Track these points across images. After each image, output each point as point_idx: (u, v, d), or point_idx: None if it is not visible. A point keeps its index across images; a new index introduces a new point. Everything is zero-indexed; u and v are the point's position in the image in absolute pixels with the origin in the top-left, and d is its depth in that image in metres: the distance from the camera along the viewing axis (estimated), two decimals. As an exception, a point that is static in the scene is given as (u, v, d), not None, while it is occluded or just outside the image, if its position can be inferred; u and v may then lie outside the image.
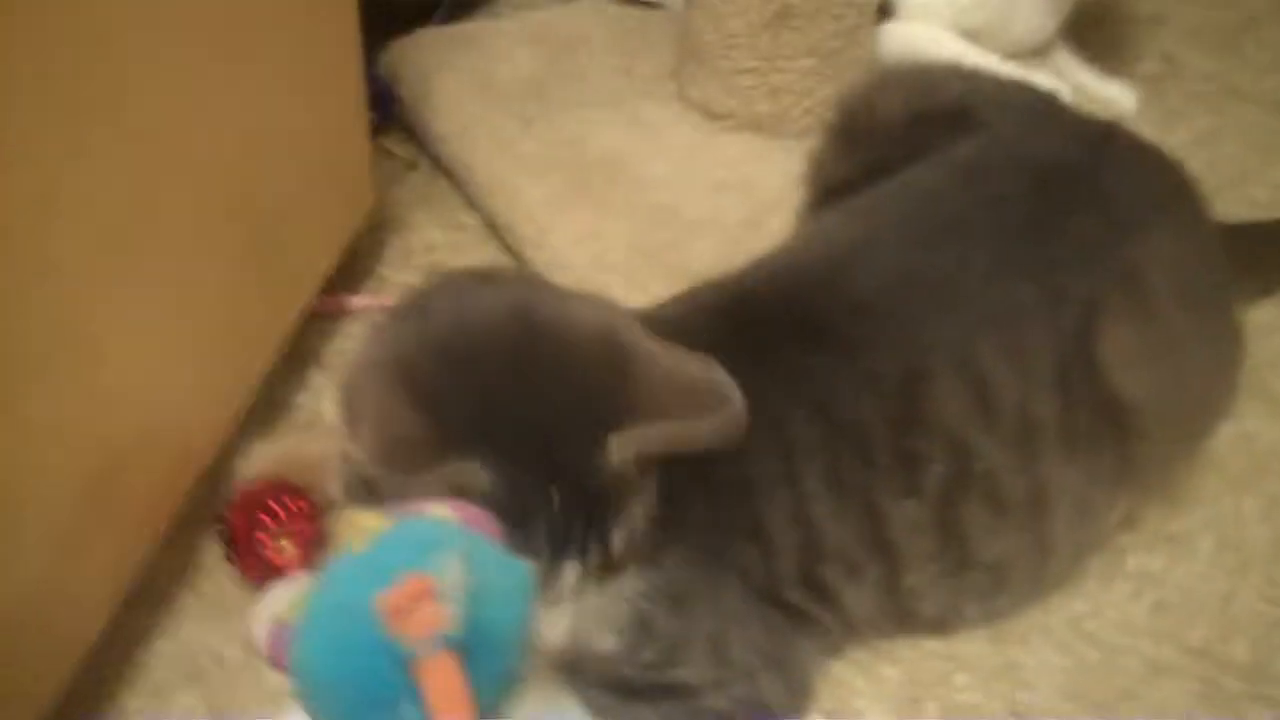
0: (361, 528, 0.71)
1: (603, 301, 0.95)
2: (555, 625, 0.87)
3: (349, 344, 1.40)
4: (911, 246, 1.05)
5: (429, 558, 0.65)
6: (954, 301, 1.01)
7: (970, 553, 1.02)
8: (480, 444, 0.82)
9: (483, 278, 0.96)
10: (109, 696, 1.05)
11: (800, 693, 1.02)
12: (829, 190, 1.22)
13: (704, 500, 0.96)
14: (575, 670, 0.95)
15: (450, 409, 0.83)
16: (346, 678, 0.67)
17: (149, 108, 0.98)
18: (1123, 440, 1.04)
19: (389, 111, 1.71)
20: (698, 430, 0.84)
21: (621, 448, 0.83)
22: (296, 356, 1.34)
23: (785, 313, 1.02)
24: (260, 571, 1.09)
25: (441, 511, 0.72)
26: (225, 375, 1.17)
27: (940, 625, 1.08)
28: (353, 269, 1.49)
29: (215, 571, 1.15)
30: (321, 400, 1.33)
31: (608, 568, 0.87)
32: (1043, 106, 1.24)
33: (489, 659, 0.67)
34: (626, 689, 0.96)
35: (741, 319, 1.02)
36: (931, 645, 1.09)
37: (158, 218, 1.02)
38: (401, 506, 0.74)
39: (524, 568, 0.72)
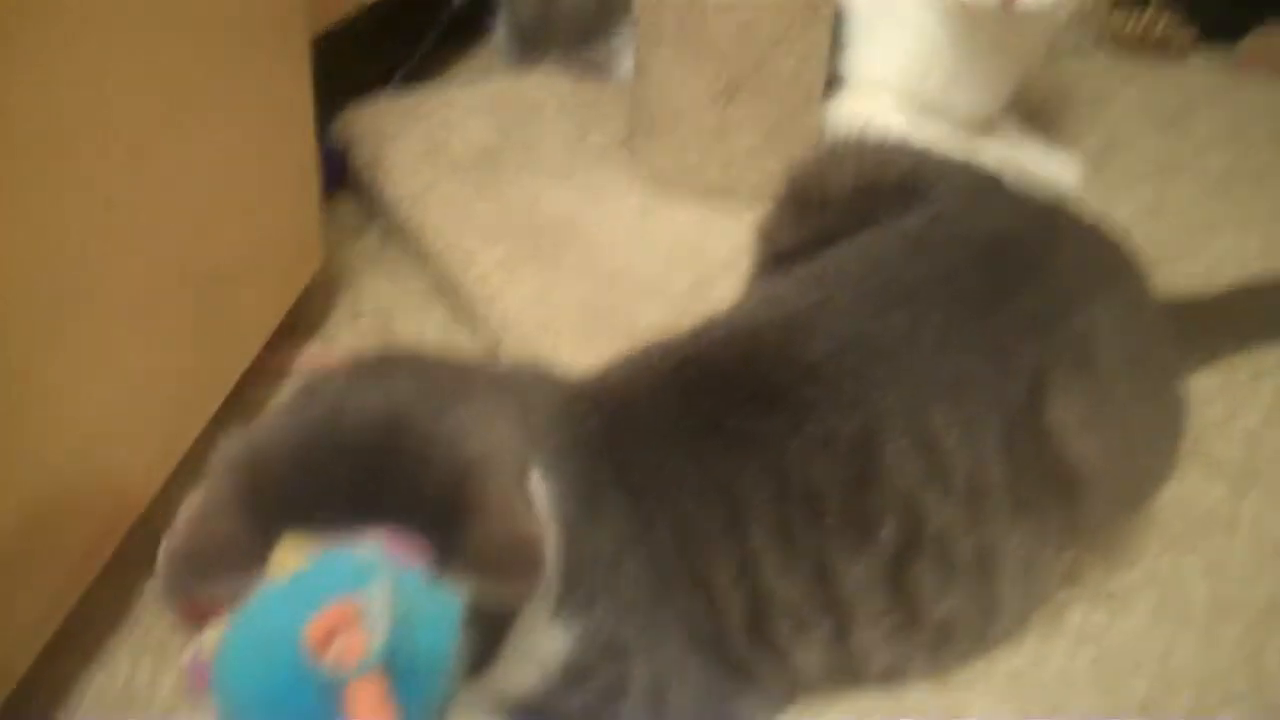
0: (283, 562, 0.71)
1: (487, 425, 0.87)
2: None
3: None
4: (864, 312, 1.06)
5: (355, 585, 0.65)
6: (905, 368, 1.02)
7: (920, 611, 1.02)
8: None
9: (377, 371, 0.92)
10: None
11: None
12: (778, 256, 1.24)
13: (644, 553, 0.96)
14: (504, 702, 0.94)
15: (281, 515, 0.78)
16: (269, 706, 0.66)
17: (96, 164, 0.99)
18: (1069, 502, 1.05)
19: (340, 178, 1.72)
20: (502, 594, 0.80)
21: None
22: (239, 410, 1.33)
23: (736, 376, 1.02)
24: (196, 615, 1.08)
25: (370, 544, 0.72)
26: (167, 426, 1.17)
27: (886, 678, 1.07)
28: (300, 325, 1.49)
29: (150, 612, 1.14)
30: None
31: None
32: (989, 184, 1.26)
33: (415, 685, 0.66)
34: None
35: (691, 382, 1.02)
36: (878, 692, 1.08)
37: (104, 274, 1.02)
38: (333, 540, 0.74)
39: (450, 594, 0.72)
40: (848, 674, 1.05)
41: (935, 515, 1.00)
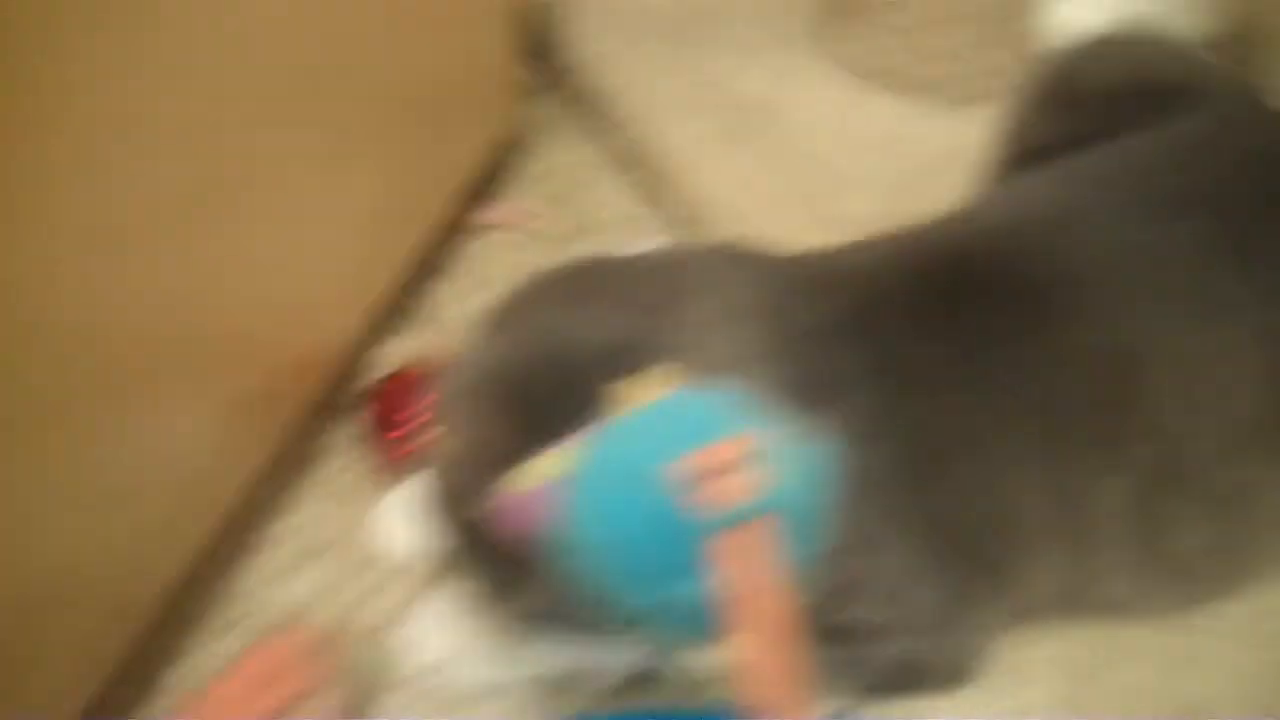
0: (648, 389, 0.64)
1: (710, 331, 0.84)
2: None
3: (476, 262, 1.36)
4: (1129, 221, 0.98)
5: (734, 425, 0.58)
6: (1170, 286, 0.95)
7: (1164, 544, 0.95)
8: None
9: (587, 288, 0.89)
10: (232, 573, 1.02)
11: (965, 664, 0.96)
12: (1024, 155, 1.16)
13: (888, 446, 0.89)
14: None
15: (542, 421, 0.75)
16: (631, 540, 0.59)
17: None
18: None
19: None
20: None
21: None
22: (425, 264, 1.29)
23: (996, 272, 0.96)
24: (396, 462, 1.04)
25: (735, 388, 0.65)
26: (357, 277, 1.14)
27: (1118, 612, 1.02)
28: (484, 187, 1.44)
29: (340, 457, 1.12)
30: (447, 310, 1.28)
31: None
32: (1260, 97, 1.17)
33: (791, 540, 0.60)
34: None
35: (945, 273, 0.96)
36: (1102, 626, 1.04)
37: (315, 97, 0.99)
38: (696, 381, 0.67)
39: (829, 452, 0.65)
40: (1079, 603, 0.99)
41: (1192, 444, 0.93)
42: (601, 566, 0.61)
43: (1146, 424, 0.93)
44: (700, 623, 0.59)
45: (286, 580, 1.01)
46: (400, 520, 1.00)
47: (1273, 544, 1.01)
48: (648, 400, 0.63)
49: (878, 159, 1.42)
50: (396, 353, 1.14)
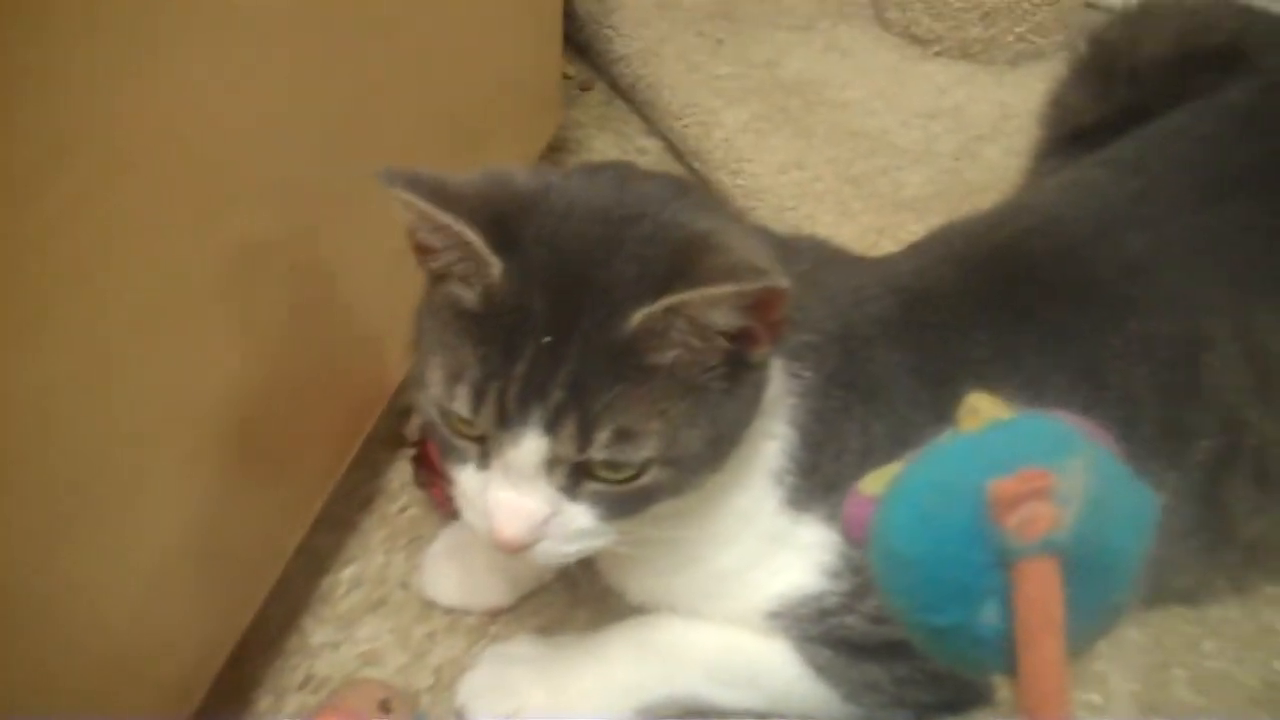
0: (979, 410, 0.63)
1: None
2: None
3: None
4: (1188, 203, 0.94)
5: (1052, 455, 0.57)
6: (1232, 264, 0.91)
7: (1231, 529, 0.92)
8: (511, 248, 0.71)
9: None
10: (295, 626, 1.00)
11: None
12: (1077, 132, 1.12)
13: None
14: (792, 620, 0.87)
15: (493, 208, 0.73)
16: (932, 560, 0.58)
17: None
18: None
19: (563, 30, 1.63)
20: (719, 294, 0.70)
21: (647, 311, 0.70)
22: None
23: (1051, 268, 0.92)
24: (452, 500, 1.03)
25: (1067, 418, 0.64)
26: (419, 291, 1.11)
27: (1189, 598, 0.98)
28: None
29: (401, 496, 1.10)
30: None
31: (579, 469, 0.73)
32: None
33: (1094, 584, 0.57)
34: (851, 644, 0.87)
35: (1000, 272, 0.92)
36: (1178, 608, 1.00)
37: (375, 119, 0.97)
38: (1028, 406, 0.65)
39: (1151, 496, 0.63)
40: (1149, 594, 0.95)
41: (1257, 428, 0.89)
42: (905, 582, 0.61)
43: (1210, 411, 0.89)
44: (997, 652, 0.58)
45: (352, 631, 1.00)
46: (449, 567, 0.99)
47: None
48: (979, 419, 0.62)
49: (933, 130, 1.39)
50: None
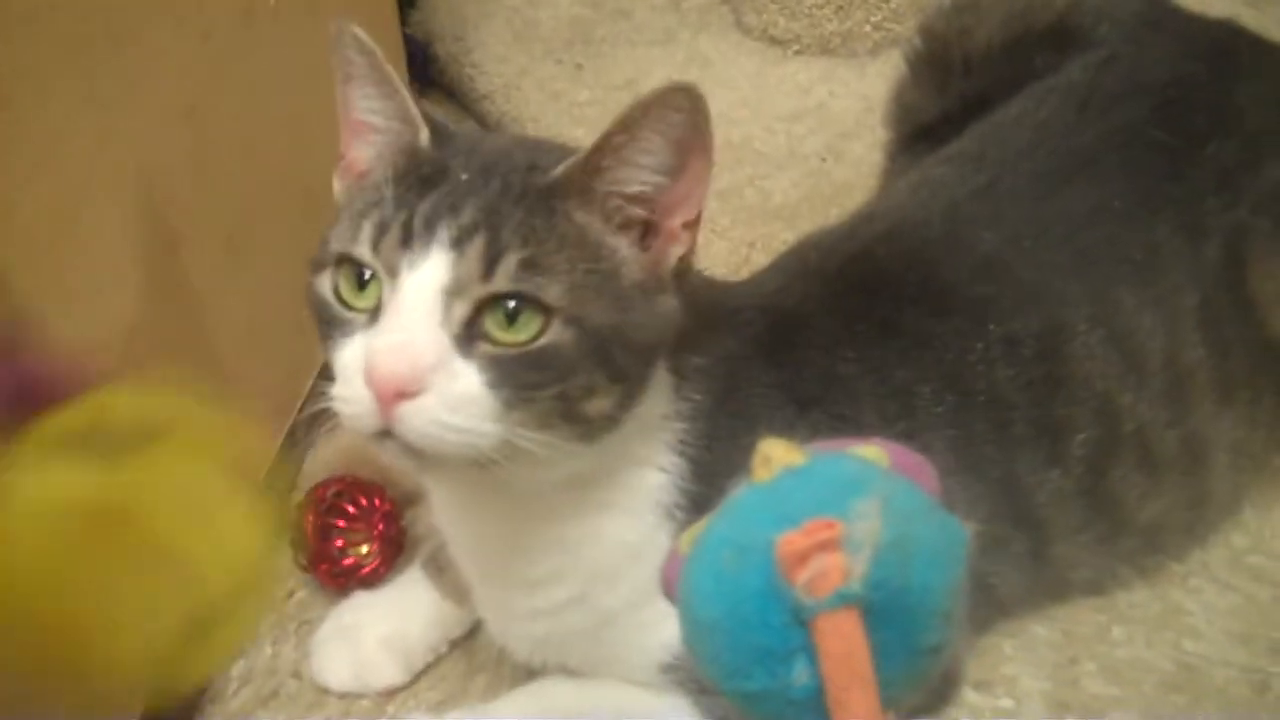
0: (771, 458, 0.60)
1: None
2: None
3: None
4: (1035, 192, 0.93)
5: (842, 500, 0.54)
6: (1088, 249, 0.90)
7: (1124, 518, 0.91)
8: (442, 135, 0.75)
9: None
10: None
11: (950, 680, 0.91)
12: (921, 128, 1.11)
13: None
14: (687, 673, 0.82)
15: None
16: (735, 622, 0.55)
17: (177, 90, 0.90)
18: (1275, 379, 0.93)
19: (425, 73, 1.61)
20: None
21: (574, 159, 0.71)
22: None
23: (905, 275, 0.90)
24: (339, 578, 1.00)
25: (871, 452, 0.60)
26: (282, 364, 1.09)
27: (1094, 589, 0.96)
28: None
29: (287, 580, 1.05)
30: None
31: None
32: (1151, 13, 1.09)
33: (903, 628, 0.54)
34: None
35: (856, 285, 0.90)
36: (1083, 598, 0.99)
37: (204, 202, 0.95)
38: (826, 444, 0.62)
39: (958, 527, 0.60)
40: (1051, 590, 0.94)
41: (1133, 412, 0.88)
42: (710, 647, 0.58)
43: (1082, 402, 0.88)
44: (814, 712, 0.55)
45: None
46: (339, 650, 0.96)
47: (1227, 491, 0.96)
48: (774, 467, 0.59)
49: (797, 132, 1.37)
50: (325, 450, 1.10)
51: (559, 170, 0.70)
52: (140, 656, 0.51)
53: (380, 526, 1.01)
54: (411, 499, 1.06)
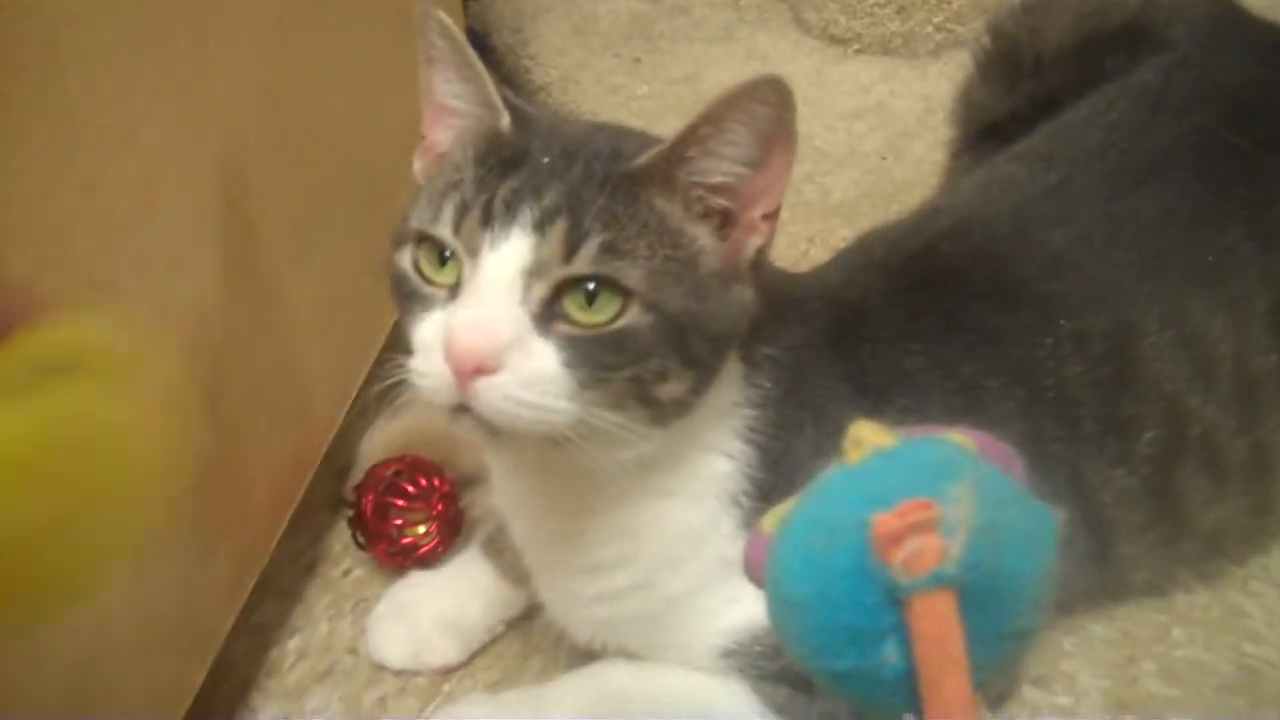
0: (862, 440, 0.60)
1: None
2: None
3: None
4: (1106, 192, 0.93)
5: (936, 483, 0.54)
6: (1159, 251, 0.90)
7: (1188, 521, 0.90)
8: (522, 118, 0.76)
9: None
10: (242, 701, 0.97)
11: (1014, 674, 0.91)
12: (988, 127, 1.10)
13: None
14: (747, 658, 0.83)
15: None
16: (825, 602, 0.55)
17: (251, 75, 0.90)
18: None
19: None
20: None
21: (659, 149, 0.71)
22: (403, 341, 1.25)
23: (972, 271, 0.90)
24: (396, 557, 1.01)
25: (960, 438, 0.60)
26: (345, 346, 1.09)
27: (1153, 591, 0.96)
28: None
29: (344, 560, 1.06)
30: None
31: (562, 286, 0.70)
32: (1224, 14, 1.08)
33: (994, 611, 0.55)
34: (808, 680, 0.84)
35: (922, 279, 0.90)
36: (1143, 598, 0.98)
37: (274, 187, 0.94)
38: (914, 429, 0.63)
39: (1048, 514, 0.60)
40: (1111, 590, 0.94)
41: (1200, 415, 0.87)
42: (799, 626, 0.58)
43: (1150, 402, 0.87)
44: (903, 693, 0.55)
45: (301, 703, 0.95)
46: (395, 628, 0.96)
47: None
48: (865, 449, 0.59)
49: (857, 130, 1.37)
50: (385, 433, 1.10)
51: (643, 158, 0.71)
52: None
53: (439, 507, 1.01)
54: (471, 481, 1.06)
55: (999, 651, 0.56)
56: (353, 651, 0.99)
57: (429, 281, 0.72)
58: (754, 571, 0.62)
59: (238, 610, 0.94)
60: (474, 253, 0.70)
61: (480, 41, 1.61)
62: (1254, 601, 0.97)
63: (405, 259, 0.73)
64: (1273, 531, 0.98)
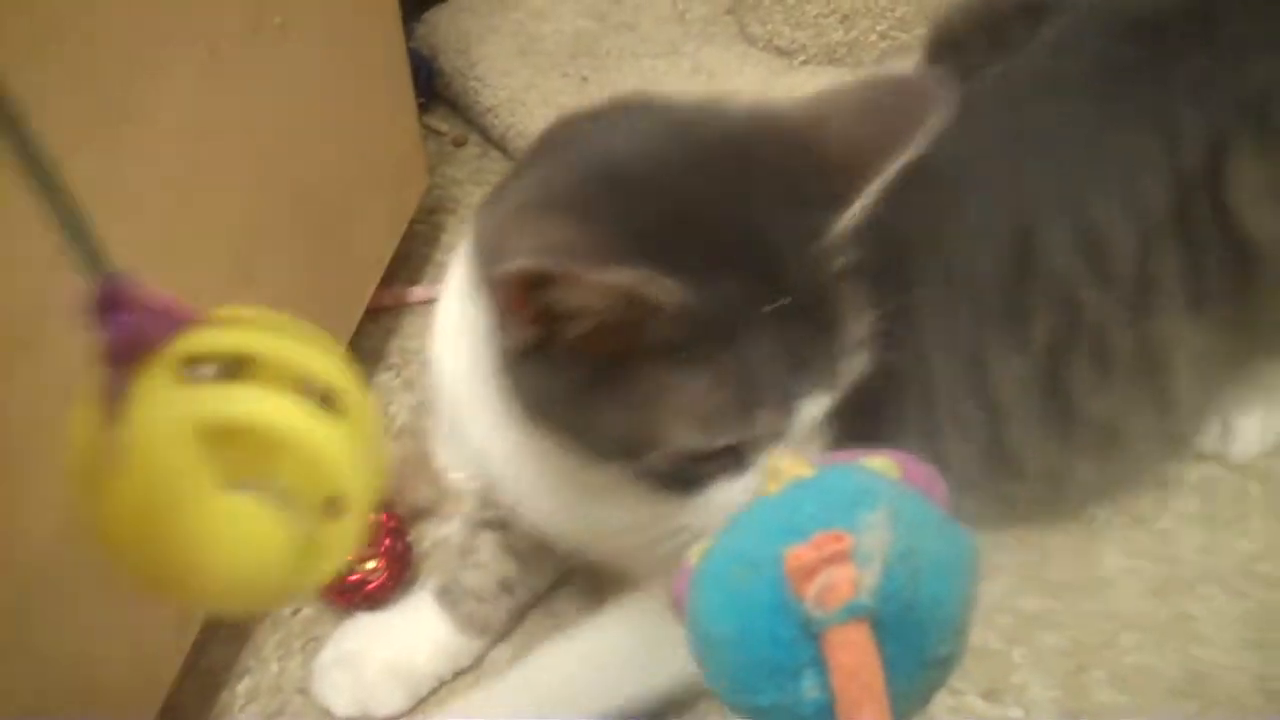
0: (780, 470, 0.60)
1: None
2: None
3: (412, 341, 1.30)
4: (1013, 109, 0.96)
5: (852, 512, 0.54)
6: (1062, 154, 0.93)
7: (1075, 409, 0.94)
8: (660, 254, 0.65)
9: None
10: None
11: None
12: None
13: None
14: None
15: (615, 222, 0.67)
16: (744, 638, 0.55)
17: (187, 106, 0.89)
18: (1248, 288, 0.93)
19: (430, 87, 1.61)
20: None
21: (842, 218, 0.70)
22: (359, 356, 1.25)
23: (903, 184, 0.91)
24: (345, 595, 1.00)
25: (880, 463, 0.60)
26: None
27: (1050, 481, 0.98)
28: (410, 258, 1.39)
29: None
30: (392, 402, 1.23)
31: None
32: None
33: (914, 640, 0.54)
34: None
35: None
36: (1091, 605, 0.99)
37: (211, 218, 0.93)
38: (838, 455, 0.63)
39: (968, 540, 0.60)
40: (1007, 476, 0.96)
41: (1092, 307, 0.91)
42: (719, 662, 0.58)
43: (1045, 293, 0.91)
44: None
45: None
46: (340, 677, 0.95)
47: (1194, 403, 0.99)
48: (782, 479, 0.59)
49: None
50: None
51: (832, 234, 0.72)
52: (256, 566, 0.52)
53: (387, 542, 1.00)
54: (418, 515, 1.06)
55: (920, 679, 0.56)
56: (302, 692, 0.98)
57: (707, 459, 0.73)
58: (679, 605, 0.61)
59: (185, 652, 0.94)
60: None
61: (427, 64, 1.61)
62: (1202, 605, 0.98)
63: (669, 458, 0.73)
64: (1179, 434, 1.03)
